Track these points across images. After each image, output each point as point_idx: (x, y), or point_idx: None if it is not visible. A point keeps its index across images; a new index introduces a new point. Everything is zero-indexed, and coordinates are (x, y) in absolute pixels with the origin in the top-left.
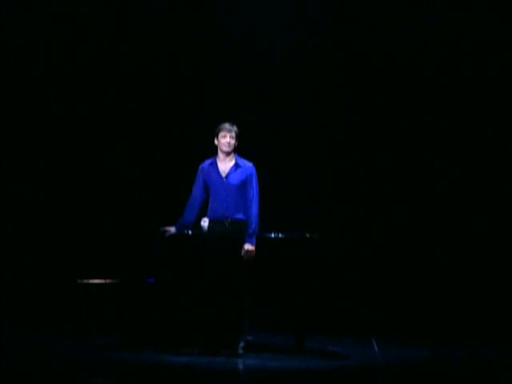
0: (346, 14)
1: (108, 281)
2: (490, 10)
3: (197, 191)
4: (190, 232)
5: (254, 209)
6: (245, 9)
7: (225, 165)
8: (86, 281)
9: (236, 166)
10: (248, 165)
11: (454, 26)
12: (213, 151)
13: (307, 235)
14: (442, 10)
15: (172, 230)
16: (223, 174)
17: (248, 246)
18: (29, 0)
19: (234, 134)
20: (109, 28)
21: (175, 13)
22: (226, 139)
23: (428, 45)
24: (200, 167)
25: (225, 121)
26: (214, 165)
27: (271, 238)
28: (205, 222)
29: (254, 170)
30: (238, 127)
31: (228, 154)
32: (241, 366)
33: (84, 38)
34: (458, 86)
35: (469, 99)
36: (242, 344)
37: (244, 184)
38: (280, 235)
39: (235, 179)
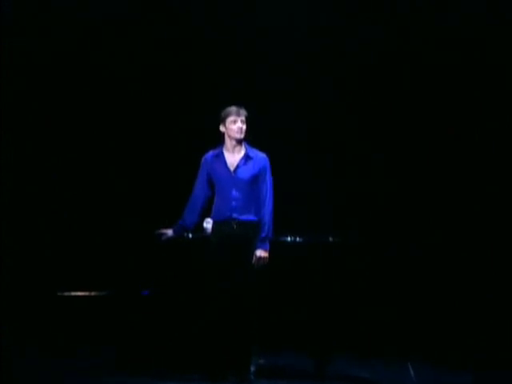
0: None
1: (93, 293)
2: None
3: (199, 188)
4: (190, 235)
5: (268, 208)
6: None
7: (233, 156)
8: (67, 293)
9: (246, 157)
10: (261, 156)
11: (454, 25)
12: (215, 142)
13: (330, 239)
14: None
15: (169, 232)
16: (231, 168)
17: (260, 253)
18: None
19: (244, 118)
20: (108, 27)
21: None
22: (237, 124)
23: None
24: (203, 159)
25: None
26: (221, 156)
27: (288, 242)
28: (208, 224)
29: (267, 162)
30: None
31: (239, 142)
32: None
33: (83, 38)
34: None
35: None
36: (252, 369)
37: (256, 179)
38: (298, 239)
39: (245, 173)
